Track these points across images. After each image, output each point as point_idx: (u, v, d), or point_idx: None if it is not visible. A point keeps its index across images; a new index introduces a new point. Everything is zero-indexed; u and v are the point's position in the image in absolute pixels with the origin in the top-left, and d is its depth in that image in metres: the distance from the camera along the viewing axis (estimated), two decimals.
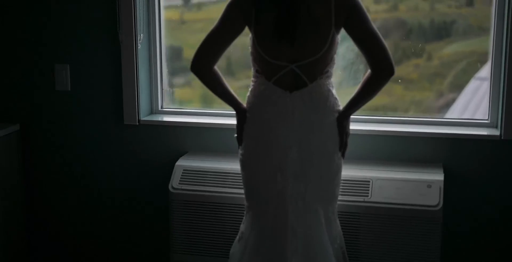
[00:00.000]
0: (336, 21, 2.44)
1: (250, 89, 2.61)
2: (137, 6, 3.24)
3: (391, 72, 2.45)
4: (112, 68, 3.33)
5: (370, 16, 2.49)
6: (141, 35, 3.28)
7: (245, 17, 2.49)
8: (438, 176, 2.93)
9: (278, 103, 2.51)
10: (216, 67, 2.59)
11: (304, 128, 2.51)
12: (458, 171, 3.07)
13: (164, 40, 3.41)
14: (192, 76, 2.68)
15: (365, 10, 2.48)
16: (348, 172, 2.90)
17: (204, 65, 2.55)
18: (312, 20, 2.42)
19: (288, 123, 2.51)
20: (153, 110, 3.47)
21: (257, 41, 2.49)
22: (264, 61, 2.50)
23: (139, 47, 3.28)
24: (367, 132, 3.11)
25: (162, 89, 3.46)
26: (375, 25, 2.48)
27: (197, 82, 2.78)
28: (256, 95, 2.56)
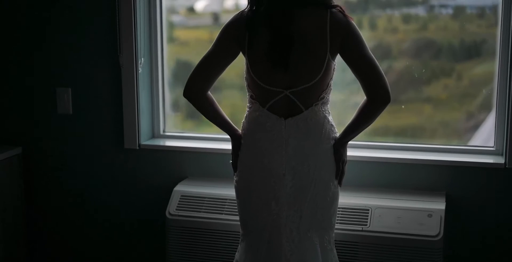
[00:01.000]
0: (331, 47, 2.38)
1: (245, 115, 2.56)
2: (138, 29, 3.23)
3: (386, 99, 2.38)
4: (113, 92, 3.32)
5: (366, 42, 2.41)
6: (142, 59, 3.27)
7: (239, 41, 2.45)
8: (439, 205, 2.86)
9: (272, 130, 2.46)
10: (209, 93, 2.55)
11: (299, 156, 2.45)
12: (461, 200, 3.00)
13: (167, 63, 3.40)
14: None
15: (361, 35, 2.41)
16: (346, 199, 2.84)
17: (196, 90, 2.52)
18: (306, 45, 2.37)
19: (282, 151, 2.45)
20: (154, 135, 3.45)
21: (250, 67, 2.45)
22: (258, 87, 2.46)
23: (139, 71, 3.26)
24: (366, 158, 3.06)
25: (164, 113, 3.44)
26: (370, 51, 2.42)
27: None
28: (250, 122, 2.52)
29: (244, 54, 2.47)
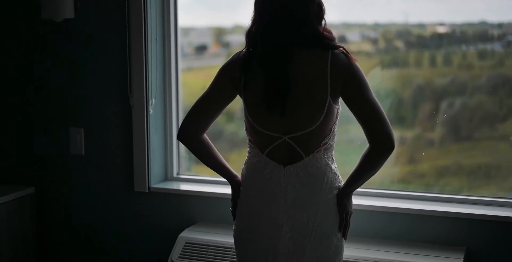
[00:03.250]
0: (332, 90, 2.23)
1: (245, 160, 2.43)
2: (150, 69, 3.18)
3: (390, 147, 2.21)
4: (124, 133, 3.28)
5: (370, 84, 2.26)
6: (153, 100, 3.21)
7: (235, 83, 2.33)
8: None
9: (271, 178, 2.30)
10: (205, 136, 2.43)
11: (298, 206, 2.28)
12: (483, 257, 2.79)
13: (182, 103, 3.34)
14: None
15: (365, 77, 2.26)
16: (352, 252, 2.70)
17: (191, 134, 2.40)
18: (305, 89, 2.23)
19: (280, 200, 2.29)
20: (167, 177, 3.37)
21: (247, 110, 2.32)
22: (256, 131, 2.32)
23: (151, 112, 3.21)
24: (375, 208, 2.91)
25: (178, 155, 3.36)
26: (374, 95, 2.25)
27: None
28: (249, 168, 2.37)
29: (240, 96, 2.35)
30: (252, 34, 2.28)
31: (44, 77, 3.41)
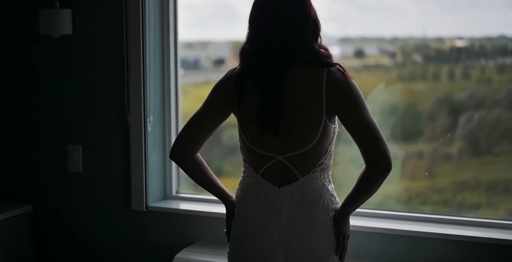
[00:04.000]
0: (328, 109, 2.17)
1: (239, 180, 2.36)
2: (148, 86, 3.15)
3: (387, 168, 2.15)
4: (122, 151, 3.25)
5: (367, 103, 2.19)
6: (151, 117, 3.18)
7: (229, 101, 2.28)
8: None
9: (265, 199, 2.25)
10: (199, 155, 2.36)
11: (293, 228, 2.21)
12: None
13: (182, 120, 3.29)
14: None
15: (361, 95, 2.19)
16: None
17: (184, 153, 2.33)
18: (299, 108, 2.17)
19: (274, 222, 2.23)
20: (166, 196, 3.32)
21: (241, 128, 2.27)
22: (250, 151, 2.27)
23: (149, 130, 3.17)
24: (373, 230, 2.85)
25: (178, 173, 3.33)
26: (372, 114, 2.19)
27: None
28: (243, 189, 2.32)
29: (234, 114, 2.30)
30: (246, 51, 2.24)
31: (42, 93, 3.39)
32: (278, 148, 2.22)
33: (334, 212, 2.26)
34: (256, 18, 2.22)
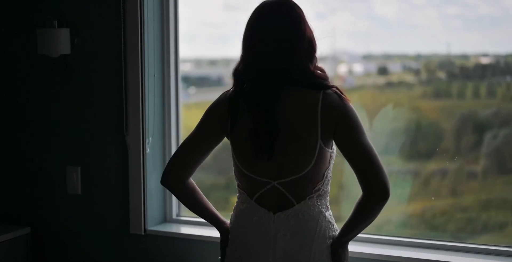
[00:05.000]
0: (323, 133, 2.11)
1: (234, 206, 2.31)
2: (147, 107, 3.10)
3: (384, 196, 2.08)
4: (121, 173, 3.20)
5: (364, 128, 2.13)
6: (150, 138, 3.13)
7: (221, 124, 2.22)
8: None
9: (259, 226, 2.18)
10: (191, 180, 2.31)
11: (288, 256, 2.15)
12: None
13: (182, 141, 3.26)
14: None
15: (359, 119, 2.13)
16: None
17: (176, 178, 2.28)
18: (293, 131, 2.11)
19: (269, 250, 2.16)
20: (166, 219, 3.26)
21: (234, 153, 2.22)
22: (243, 176, 2.21)
23: (147, 151, 3.12)
24: (372, 256, 2.75)
25: None
26: (369, 139, 2.13)
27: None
28: (237, 215, 2.26)
29: (228, 138, 2.25)
30: (239, 72, 2.19)
31: (40, 114, 3.37)
32: (272, 173, 2.16)
33: (331, 240, 2.19)
34: (249, 38, 2.16)
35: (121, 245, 3.26)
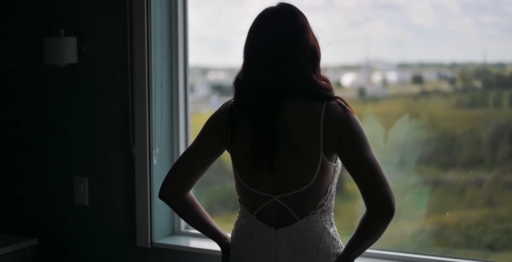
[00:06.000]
0: (326, 146, 2.02)
1: (235, 221, 2.23)
2: (154, 117, 3.05)
3: (389, 212, 1.98)
4: (128, 184, 3.15)
5: (370, 142, 2.04)
6: (157, 149, 3.08)
7: (221, 137, 2.14)
8: None
9: (260, 242, 2.10)
10: (191, 193, 2.23)
11: None
12: None
13: None
14: None
15: (364, 132, 2.03)
16: None
17: (173, 192, 2.20)
18: (294, 144, 2.03)
19: None
20: (174, 231, 3.20)
21: (234, 166, 2.14)
22: (244, 190, 2.13)
23: (154, 162, 3.07)
24: None
25: None
26: (375, 153, 2.03)
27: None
28: (238, 231, 2.18)
29: (228, 151, 2.17)
30: (239, 82, 2.11)
31: (47, 123, 3.35)
32: (273, 187, 2.08)
33: (336, 257, 2.10)
34: (249, 47, 2.10)
35: (127, 258, 3.20)
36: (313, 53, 2.08)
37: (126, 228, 3.18)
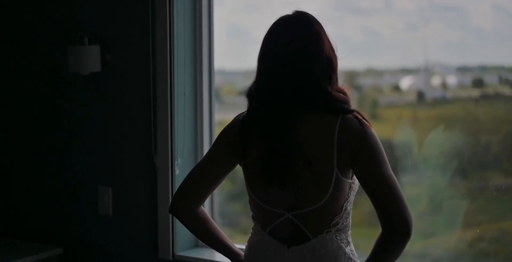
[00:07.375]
0: (340, 162, 1.93)
1: (248, 238, 2.17)
2: (176, 126, 3.00)
3: (406, 234, 1.89)
4: (150, 194, 3.12)
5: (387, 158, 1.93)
6: (179, 159, 3.00)
7: (234, 150, 2.08)
8: None
9: (273, 259, 2.03)
10: (202, 208, 2.17)
11: None
12: None
13: None
14: None
15: (381, 147, 1.94)
16: None
17: (183, 206, 2.14)
18: (307, 160, 1.94)
19: None
20: (198, 243, 3.13)
21: (246, 181, 2.08)
22: (256, 206, 2.07)
23: (177, 173, 3.00)
24: None
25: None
26: (391, 170, 1.94)
27: None
28: (251, 247, 2.12)
29: (240, 165, 2.10)
30: (252, 93, 2.03)
31: (71, 132, 3.36)
32: (286, 204, 2.00)
33: None
34: (263, 57, 2.02)
35: None
36: (329, 63, 1.98)
37: (148, 239, 3.16)
